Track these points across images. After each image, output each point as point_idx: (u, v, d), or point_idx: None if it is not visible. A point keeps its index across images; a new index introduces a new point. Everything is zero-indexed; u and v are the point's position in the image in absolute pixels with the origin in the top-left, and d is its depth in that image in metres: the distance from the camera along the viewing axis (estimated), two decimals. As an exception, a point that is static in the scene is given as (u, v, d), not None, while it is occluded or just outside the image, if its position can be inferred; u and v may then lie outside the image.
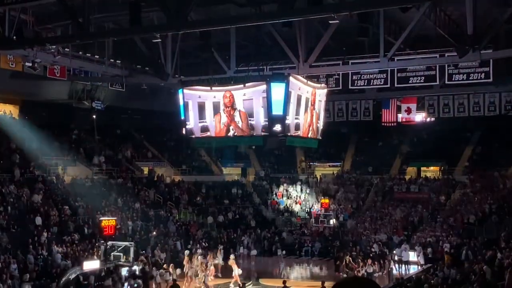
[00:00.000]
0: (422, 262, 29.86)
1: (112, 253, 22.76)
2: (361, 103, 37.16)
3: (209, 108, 22.87)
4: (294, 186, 43.24)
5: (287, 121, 21.79)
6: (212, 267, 27.29)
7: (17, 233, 26.55)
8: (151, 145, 43.21)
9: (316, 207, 39.58)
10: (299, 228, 38.59)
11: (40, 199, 29.78)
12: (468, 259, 27.36)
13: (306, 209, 40.90)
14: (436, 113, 35.27)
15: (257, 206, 41.38)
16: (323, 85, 25.76)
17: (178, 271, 27.06)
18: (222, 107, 22.52)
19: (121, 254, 22.88)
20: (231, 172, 45.48)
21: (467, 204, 35.70)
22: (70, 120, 38.93)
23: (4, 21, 21.24)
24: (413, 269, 29.12)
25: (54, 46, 24.07)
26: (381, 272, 29.19)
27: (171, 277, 24.99)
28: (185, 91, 23.30)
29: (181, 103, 23.37)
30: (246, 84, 22.02)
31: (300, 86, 22.63)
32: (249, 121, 22.02)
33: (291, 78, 22.00)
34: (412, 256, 30.44)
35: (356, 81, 27.58)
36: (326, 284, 21.52)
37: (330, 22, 20.65)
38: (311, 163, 46.13)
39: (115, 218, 28.18)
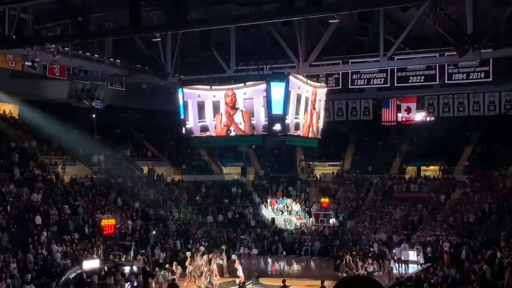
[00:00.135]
0: (422, 261, 29.82)
1: (112, 252, 22.79)
2: (361, 102, 37.18)
3: (209, 108, 22.86)
4: (294, 185, 43.23)
5: (287, 121, 21.80)
6: (215, 267, 27.22)
7: (16, 232, 26.51)
8: (151, 144, 43.18)
9: (316, 207, 39.60)
10: (299, 227, 38.59)
11: (39, 198, 29.78)
12: (468, 258, 27.32)
13: (306, 209, 40.91)
14: (436, 112, 35.30)
15: (257, 206, 41.37)
16: (323, 84, 25.77)
17: (180, 270, 26.99)
18: (222, 106, 22.49)
19: (121, 253, 22.92)
20: (231, 172, 45.45)
21: (467, 204, 35.68)
22: (69, 119, 38.92)
23: (4, 20, 21.21)
24: (413, 269, 29.08)
25: (54, 45, 24.02)
26: (381, 271, 29.17)
27: (174, 276, 24.97)
28: (185, 90, 23.31)
29: (181, 102, 23.38)
30: (247, 83, 22.03)
31: (300, 86, 22.63)
32: (251, 121, 22.04)
33: (291, 78, 22.00)
34: (412, 255, 30.39)
35: (356, 81, 27.56)
36: (326, 283, 21.47)
37: (330, 21, 20.66)
38: (310, 163, 46.13)
39: (114, 217, 28.28)
